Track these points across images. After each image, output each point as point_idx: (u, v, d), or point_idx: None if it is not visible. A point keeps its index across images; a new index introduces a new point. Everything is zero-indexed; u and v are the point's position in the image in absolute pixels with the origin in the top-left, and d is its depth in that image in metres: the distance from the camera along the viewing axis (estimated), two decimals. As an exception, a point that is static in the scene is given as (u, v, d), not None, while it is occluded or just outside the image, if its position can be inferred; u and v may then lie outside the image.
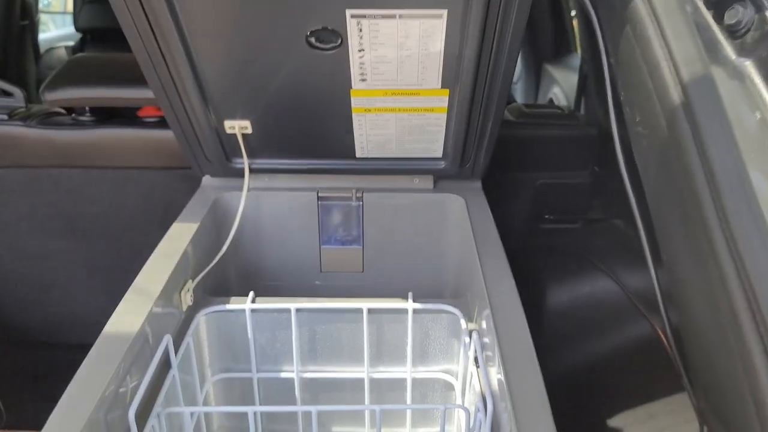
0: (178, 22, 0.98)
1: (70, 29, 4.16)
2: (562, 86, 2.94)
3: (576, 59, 3.09)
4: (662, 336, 1.20)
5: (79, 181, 1.68)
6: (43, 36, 3.48)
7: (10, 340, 1.98)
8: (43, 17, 3.78)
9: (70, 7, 4.88)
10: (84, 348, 2.14)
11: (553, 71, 3.05)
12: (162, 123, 1.65)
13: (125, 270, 1.90)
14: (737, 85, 0.79)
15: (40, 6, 3.31)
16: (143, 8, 0.97)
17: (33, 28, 3.24)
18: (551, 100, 2.96)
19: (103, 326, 2.02)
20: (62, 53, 3.15)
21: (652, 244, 0.95)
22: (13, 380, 1.88)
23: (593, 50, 1.69)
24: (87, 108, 1.65)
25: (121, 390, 0.90)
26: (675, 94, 0.74)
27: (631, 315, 1.38)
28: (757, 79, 0.80)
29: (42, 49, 3.26)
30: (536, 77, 3.24)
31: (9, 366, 1.94)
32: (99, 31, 3.14)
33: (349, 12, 0.95)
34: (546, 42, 3.17)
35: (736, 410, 0.64)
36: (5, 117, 1.63)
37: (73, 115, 1.67)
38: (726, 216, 0.65)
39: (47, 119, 1.65)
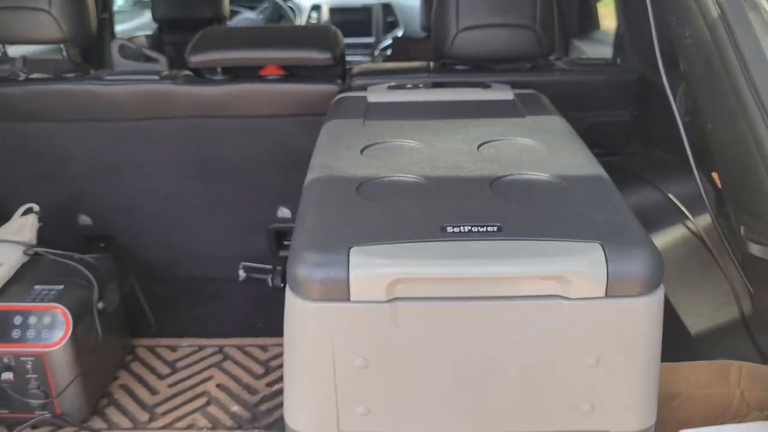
0: None
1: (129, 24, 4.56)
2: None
3: (600, 34, 3.47)
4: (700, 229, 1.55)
5: (215, 129, 2.07)
6: (118, 27, 3.87)
7: (141, 274, 2.34)
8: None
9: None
10: (204, 280, 2.49)
11: (581, 45, 3.42)
12: (281, 79, 2.03)
13: (244, 208, 2.28)
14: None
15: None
16: None
17: (111, 20, 3.63)
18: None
19: (222, 261, 2.37)
20: (142, 41, 3.54)
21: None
22: (152, 304, 2.23)
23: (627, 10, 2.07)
24: (219, 69, 2.03)
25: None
26: (714, 11, 1.11)
27: (674, 214, 1.75)
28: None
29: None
30: (565, 53, 3.61)
31: (147, 293, 2.29)
32: (175, 21, 3.54)
33: None
34: (572, 20, 3.55)
35: (759, 198, 1.01)
36: (157, 77, 2.01)
37: (207, 75, 2.06)
38: (754, 84, 1.03)
39: (189, 78, 2.03)
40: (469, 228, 1.07)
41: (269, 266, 2.31)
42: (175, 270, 2.39)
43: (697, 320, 1.59)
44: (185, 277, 2.41)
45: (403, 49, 4.75)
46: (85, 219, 2.25)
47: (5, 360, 1.69)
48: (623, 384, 1.07)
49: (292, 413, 1.12)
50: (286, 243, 2.35)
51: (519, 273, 1.01)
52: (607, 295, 1.02)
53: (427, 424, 1.09)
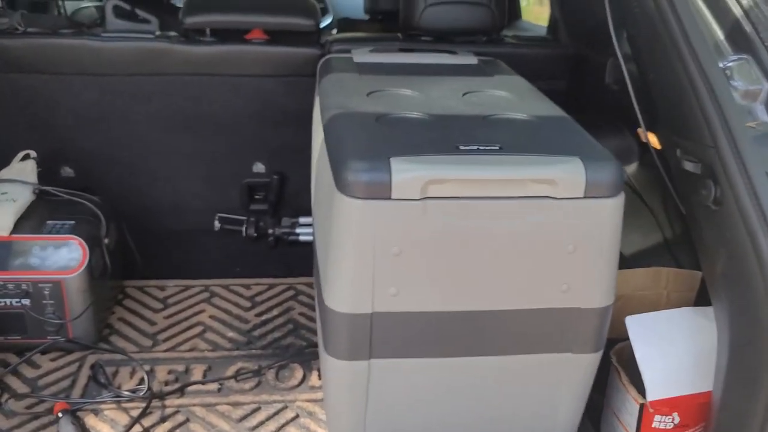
0: None
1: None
2: (515, 43, 3.69)
3: (523, 23, 3.88)
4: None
5: (202, 86, 2.26)
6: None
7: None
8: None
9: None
10: (181, 231, 2.64)
11: (507, 32, 3.80)
12: (266, 43, 2.25)
13: (222, 162, 2.47)
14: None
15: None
16: None
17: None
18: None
19: (199, 213, 2.55)
20: (93, 12, 3.62)
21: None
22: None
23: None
24: (207, 31, 2.23)
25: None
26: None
27: None
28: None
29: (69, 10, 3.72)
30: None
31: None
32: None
33: None
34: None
35: (689, 122, 1.35)
36: (152, 36, 2.19)
37: (196, 37, 2.25)
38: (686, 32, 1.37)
39: (181, 39, 2.22)
40: (477, 147, 1.36)
41: (243, 217, 2.52)
42: (153, 220, 2.54)
43: (629, 245, 1.95)
44: (163, 228, 2.57)
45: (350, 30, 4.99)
46: (68, 171, 2.38)
47: (24, 287, 1.83)
48: (593, 267, 1.39)
49: (334, 297, 1.37)
50: (257, 197, 2.56)
51: (519, 176, 1.31)
52: (585, 195, 1.33)
53: (441, 301, 1.37)
